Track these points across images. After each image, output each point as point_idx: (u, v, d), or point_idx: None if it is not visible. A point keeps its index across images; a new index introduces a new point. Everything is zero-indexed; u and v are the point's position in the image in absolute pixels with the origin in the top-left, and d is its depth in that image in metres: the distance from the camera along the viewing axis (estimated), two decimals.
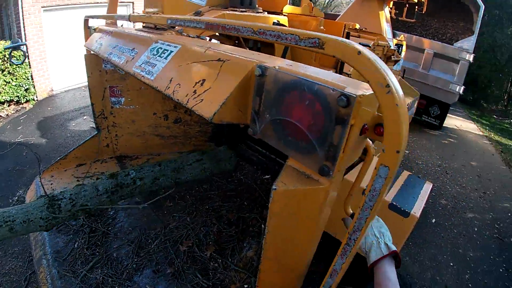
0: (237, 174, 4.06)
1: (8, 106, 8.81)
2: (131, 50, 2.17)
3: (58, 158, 3.01)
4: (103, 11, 8.00)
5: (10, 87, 8.54)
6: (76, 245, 2.71)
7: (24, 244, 3.48)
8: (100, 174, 2.89)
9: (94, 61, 3.04)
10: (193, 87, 1.38)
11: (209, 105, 1.24)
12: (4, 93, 8.47)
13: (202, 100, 1.29)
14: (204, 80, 1.37)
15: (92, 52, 2.98)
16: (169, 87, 1.49)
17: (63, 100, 9.06)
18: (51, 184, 2.81)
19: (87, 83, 3.08)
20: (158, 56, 1.83)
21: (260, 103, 1.22)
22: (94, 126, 3.45)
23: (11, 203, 4.36)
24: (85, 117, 7.67)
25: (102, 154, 3.31)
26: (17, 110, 8.84)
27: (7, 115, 8.65)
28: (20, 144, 6.46)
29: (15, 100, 8.85)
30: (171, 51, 1.77)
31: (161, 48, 1.89)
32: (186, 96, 1.36)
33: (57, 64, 9.51)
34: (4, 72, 8.40)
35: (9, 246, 3.46)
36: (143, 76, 1.76)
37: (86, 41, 3.05)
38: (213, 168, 2.98)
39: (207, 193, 3.53)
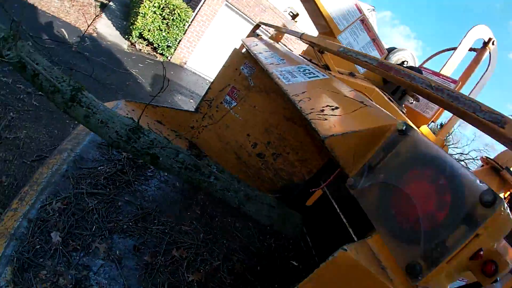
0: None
1: (147, 45, 9.69)
2: (281, 59, 2.28)
3: (148, 102, 3.10)
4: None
5: (159, 34, 9.40)
6: (99, 169, 2.64)
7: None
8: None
9: (238, 57, 3.19)
10: (323, 107, 1.29)
11: (330, 127, 1.14)
12: (152, 35, 9.33)
13: (325, 119, 1.18)
14: (337, 107, 1.28)
15: (243, 50, 3.18)
16: (297, 95, 1.44)
17: (186, 77, 9.70)
18: (127, 115, 2.91)
19: (214, 76, 3.24)
20: (302, 73, 1.87)
21: (380, 159, 1.05)
22: (194, 106, 3.56)
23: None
24: (191, 101, 8.04)
25: (181, 129, 3.38)
26: (149, 53, 9.67)
27: (139, 49, 9.52)
28: (129, 73, 6.99)
29: (154, 45, 9.66)
30: (317, 76, 1.81)
31: (309, 70, 1.95)
32: (311, 109, 1.27)
33: (203, 48, 10.31)
34: (165, 21, 9.29)
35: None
36: (278, 78, 1.78)
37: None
38: (276, 223, 2.76)
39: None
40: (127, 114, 3.04)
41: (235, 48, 3.30)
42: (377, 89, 2.61)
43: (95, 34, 9.17)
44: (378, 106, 1.31)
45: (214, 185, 2.54)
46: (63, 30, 7.76)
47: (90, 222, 2.12)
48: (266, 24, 3.49)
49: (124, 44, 9.53)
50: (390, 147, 1.04)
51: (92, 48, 7.80)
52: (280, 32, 3.49)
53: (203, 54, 10.48)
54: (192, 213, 2.69)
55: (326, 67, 2.36)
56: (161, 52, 9.82)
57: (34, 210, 1.96)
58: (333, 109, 1.25)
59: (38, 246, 1.81)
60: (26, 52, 2.27)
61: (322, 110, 1.24)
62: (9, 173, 3.48)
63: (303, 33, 2.46)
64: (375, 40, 3.41)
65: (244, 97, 3.13)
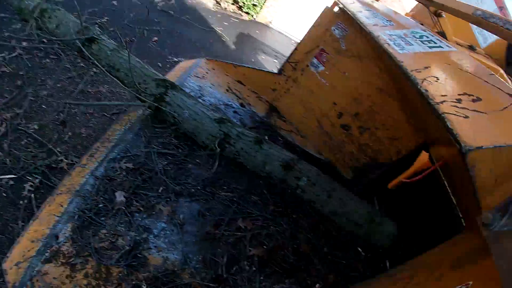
0: None
1: (232, 4, 9.49)
2: (387, 20, 1.95)
3: (232, 62, 2.99)
4: None
5: None
6: (173, 128, 2.58)
7: None
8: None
9: (329, 18, 2.89)
10: (459, 94, 0.96)
11: (474, 132, 0.85)
12: None
13: (466, 116, 0.86)
14: (479, 98, 0.94)
15: (335, 9, 2.85)
16: (420, 72, 1.13)
17: (271, 36, 9.47)
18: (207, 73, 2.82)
19: (300, 37, 3.02)
20: (419, 39, 1.55)
21: None
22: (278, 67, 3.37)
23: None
24: (275, 61, 7.83)
25: (263, 92, 3.22)
26: (234, 11, 9.49)
27: (225, 8, 9.37)
28: (213, 32, 6.93)
29: (239, 4, 9.44)
30: (440, 46, 1.45)
31: (427, 36, 1.62)
32: (442, 96, 0.95)
33: (290, 6, 9.87)
34: None
35: None
36: (388, 45, 1.48)
37: None
38: (365, 232, 2.52)
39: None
40: (207, 72, 2.98)
41: (327, 6, 2.97)
42: (501, 70, 2.16)
43: None
44: None
45: (300, 196, 2.41)
46: None
47: (157, 183, 2.05)
48: None
49: (209, 2, 9.37)
50: None
51: (176, 7, 7.78)
52: None
53: (290, 13, 10.00)
54: (265, 181, 2.53)
55: (442, 35, 1.96)
56: (247, 10, 9.46)
57: (102, 167, 1.92)
58: (474, 101, 0.93)
59: (101, 205, 1.78)
60: (104, 56, 2.35)
61: (459, 100, 0.92)
62: (89, 125, 3.57)
63: None
64: (502, 8, 2.82)
65: (333, 61, 2.83)
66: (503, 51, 2.63)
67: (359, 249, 2.47)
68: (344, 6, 2.56)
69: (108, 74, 2.31)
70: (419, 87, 1.02)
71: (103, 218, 1.73)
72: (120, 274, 1.54)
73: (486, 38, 2.78)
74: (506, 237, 0.74)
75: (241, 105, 2.93)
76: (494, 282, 0.72)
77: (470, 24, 2.46)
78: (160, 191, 2.01)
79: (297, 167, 2.37)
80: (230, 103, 2.87)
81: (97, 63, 2.29)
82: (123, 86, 2.28)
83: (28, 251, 1.49)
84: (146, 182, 2.01)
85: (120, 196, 1.82)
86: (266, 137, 2.60)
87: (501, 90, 1.01)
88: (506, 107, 0.92)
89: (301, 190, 2.37)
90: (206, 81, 2.94)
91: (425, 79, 1.05)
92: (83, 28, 2.36)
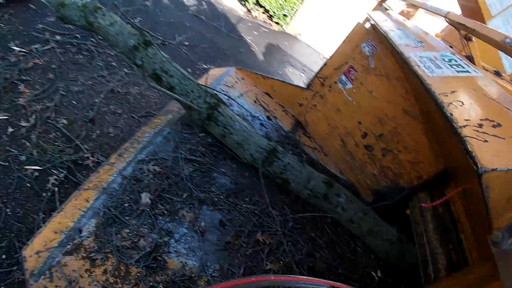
0: None
1: (263, 13, 9.59)
2: (418, 41, 1.96)
3: (261, 73, 3.03)
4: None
5: (276, 1, 9.22)
6: (201, 135, 2.61)
7: None
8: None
9: (359, 34, 2.88)
10: (481, 119, 0.99)
11: (491, 156, 0.89)
12: (268, 2, 9.19)
13: (485, 140, 0.89)
14: (499, 124, 0.98)
15: (366, 25, 2.85)
16: (446, 96, 1.15)
17: (300, 48, 9.44)
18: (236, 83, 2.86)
19: (329, 53, 3.04)
20: (447, 63, 1.58)
21: None
22: (305, 82, 3.40)
23: None
24: (302, 75, 7.85)
25: (289, 106, 3.23)
26: (264, 21, 9.59)
27: (255, 16, 9.49)
28: (243, 40, 6.99)
29: (270, 13, 9.52)
30: (467, 71, 1.48)
31: (456, 61, 1.61)
32: (465, 120, 0.98)
33: (321, 20, 9.82)
34: None
35: None
36: (418, 66, 1.48)
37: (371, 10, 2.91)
38: (393, 258, 2.50)
39: None
40: (236, 81, 3.02)
41: (359, 22, 2.96)
42: None
43: None
44: None
45: (340, 215, 2.42)
46: None
47: (182, 189, 2.09)
48: None
49: (240, 10, 9.51)
50: None
51: (208, 12, 7.98)
52: (415, 7, 3.04)
53: (320, 26, 9.89)
54: (286, 197, 2.54)
55: (470, 59, 1.95)
56: (277, 21, 9.56)
57: (130, 167, 1.98)
58: (494, 126, 0.96)
59: (126, 204, 1.83)
60: (159, 61, 2.33)
61: (481, 125, 0.95)
62: (117, 125, 3.69)
63: (448, 12, 2.05)
64: None
65: (361, 79, 2.81)
66: None
67: (373, 273, 2.45)
68: (376, 24, 2.55)
69: (160, 79, 2.34)
70: (444, 110, 1.05)
71: (127, 218, 1.77)
72: (138, 274, 1.57)
73: None
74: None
75: (268, 118, 2.95)
76: None
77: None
78: (184, 197, 2.05)
79: (336, 185, 2.40)
80: (257, 114, 2.89)
81: (147, 68, 2.34)
82: (172, 92, 2.29)
83: (50, 241, 1.53)
84: (171, 187, 2.05)
85: (145, 198, 1.87)
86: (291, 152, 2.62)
87: None
88: None
89: (341, 208, 2.37)
90: (235, 91, 2.98)
91: (451, 103, 1.07)
92: (138, 30, 2.42)
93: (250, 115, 2.84)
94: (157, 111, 4.10)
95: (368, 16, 2.86)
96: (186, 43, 5.88)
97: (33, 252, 1.48)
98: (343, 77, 2.90)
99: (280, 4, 9.24)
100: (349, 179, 2.86)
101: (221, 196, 2.21)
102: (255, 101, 3.04)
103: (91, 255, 1.56)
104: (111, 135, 3.54)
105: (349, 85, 2.86)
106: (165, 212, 1.91)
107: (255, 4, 9.49)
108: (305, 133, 3.10)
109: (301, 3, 9.44)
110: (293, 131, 3.02)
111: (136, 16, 5.70)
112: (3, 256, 2.47)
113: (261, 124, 2.86)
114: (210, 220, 2.05)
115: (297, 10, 9.54)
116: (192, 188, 2.11)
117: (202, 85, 2.38)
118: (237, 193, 2.31)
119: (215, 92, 2.43)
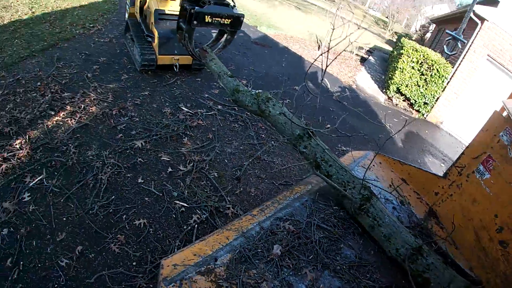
0: None
1: (403, 101, 9.63)
2: None
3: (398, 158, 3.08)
4: None
5: (417, 90, 9.23)
6: (335, 208, 2.73)
7: None
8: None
9: (497, 122, 2.77)
10: None
11: None
12: (409, 90, 9.29)
13: None
14: None
15: (504, 114, 2.74)
16: None
17: (441, 137, 8.93)
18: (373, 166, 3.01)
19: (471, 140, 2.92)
20: None
21: None
22: (444, 171, 3.30)
23: None
24: (442, 165, 7.32)
25: (425, 194, 3.19)
26: (405, 108, 9.55)
27: (396, 104, 9.55)
28: (383, 127, 7.22)
29: (411, 101, 9.54)
30: None
31: None
32: None
33: (462, 108, 9.38)
34: (424, 76, 9.10)
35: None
36: None
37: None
38: None
39: None
40: (373, 165, 3.10)
41: (496, 110, 2.84)
42: None
43: (354, 86, 9.93)
44: None
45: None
46: (326, 80, 8.72)
47: (310, 251, 2.23)
48: None
49: (381, 97, 9.77)
50: None
51: (350, 99, 8.51)
52: None
53: (461, 114, 9.36)
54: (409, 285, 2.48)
55: None
56: (418, 108, 9.48)
57: (269, 221, 2.24)
58: None
59: (259, 250, 2.05)
60: (320, 151, 2.64)
61: None
62: (258, 187, 4.17)
63: None
64: None
65: (499, 169, 2.65)
66: None
67: None
68: (510, 112, 2.47)
69: (319, 166, 2.63)
70: None
71: (257, 261, 1.98)
72: None
73: None
74: None
75: (401, 203, 2.94)
76: None
77: None
78: (310, 258, 2.18)
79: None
80: (390, 198, 2.91)
81: (309, 155, 2.66)
82: (329, 180, 2.55)
83: (188, 260, 1.80)
84: (301, 246, 2.21)
85: (277, 249, 2.07)
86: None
87: None
88: None
89: None
90: (372, 173, 3.07)
91: None
92: (305, 123, 2.81)
93: (384, 198, 2.88)
94: (295, 181, 4.47)
95: (504, 105, 2.75)
96: (329, 126, 6.29)
97: (171, 264, 1.76)
98: (481, 167, 2.76)
99: (421, 92, 9.17)
100: (479, 277, 2.63)
101: (344, 266, 2.26)
102: (390, 185, 3.07)
103: (219, 281, 1.77)
104: (251, 194, 4.01)
105: (487, 175, 2.71)
106: (291, 266, 2.05)
107: (396, 92, 9.66)
108: (438, 223, 2.98)
109: (442, 91, 9.18)
110: (425, 219, 2.92)
111: (285, 98, 6.49)
112: (134, 263, 2.93)
113: (394, 208, 2.86)
114: (329, 285, 2.11)
115: (438, 98, 9.28)
116: (319, 252, 2.23)
117: (359, 178, 2.54)
118: (359, 267, 2.33)
119: (369, 185, 2.56)
